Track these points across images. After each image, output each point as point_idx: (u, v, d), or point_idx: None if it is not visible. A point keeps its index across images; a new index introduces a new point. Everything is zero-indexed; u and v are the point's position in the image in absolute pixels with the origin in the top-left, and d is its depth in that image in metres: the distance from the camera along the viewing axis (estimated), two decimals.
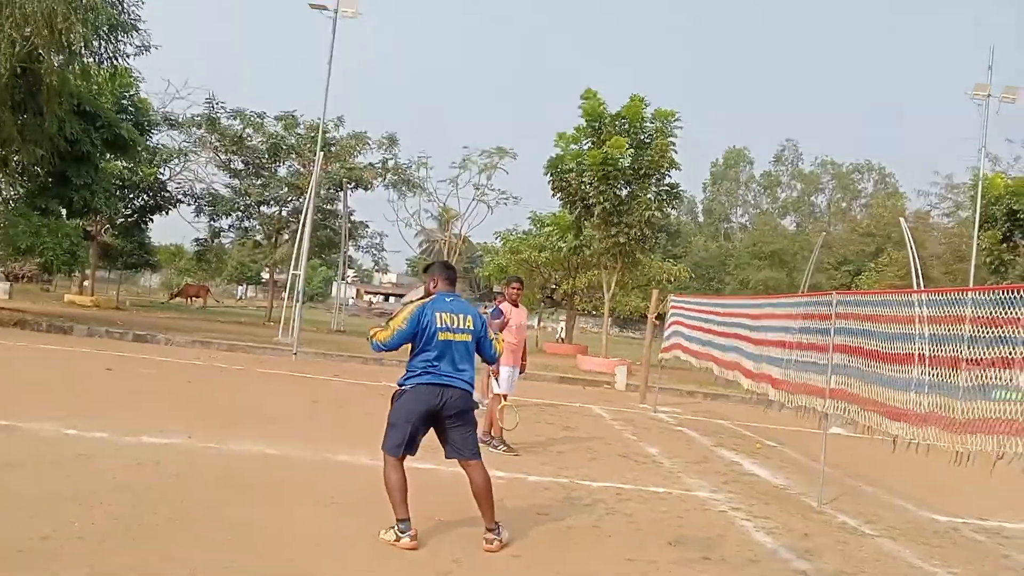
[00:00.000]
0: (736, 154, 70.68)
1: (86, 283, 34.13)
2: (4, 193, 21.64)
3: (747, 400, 15.91)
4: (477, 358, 5.19)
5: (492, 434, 8.36)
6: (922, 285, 21.41)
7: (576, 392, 15.99)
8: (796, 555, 5.49)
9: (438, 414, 4.91)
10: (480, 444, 8.24)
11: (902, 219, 27.39)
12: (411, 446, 4.95)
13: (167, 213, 31.49)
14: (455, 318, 4.96)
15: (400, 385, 5.03)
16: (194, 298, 39.45)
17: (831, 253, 48.14)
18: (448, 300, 5.07)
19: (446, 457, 5.14)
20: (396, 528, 4.80)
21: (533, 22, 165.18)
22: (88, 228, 27.88)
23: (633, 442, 10.01)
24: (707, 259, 55.30)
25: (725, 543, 5.63)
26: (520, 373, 8.79)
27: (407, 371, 5.00)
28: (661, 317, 16.23)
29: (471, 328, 5.03)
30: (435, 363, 4.88)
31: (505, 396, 8.47)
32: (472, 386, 5.06)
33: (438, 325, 4.89)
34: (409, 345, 4.98)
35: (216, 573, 4.08)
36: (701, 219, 72.71)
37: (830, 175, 68.22)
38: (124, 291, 40.71)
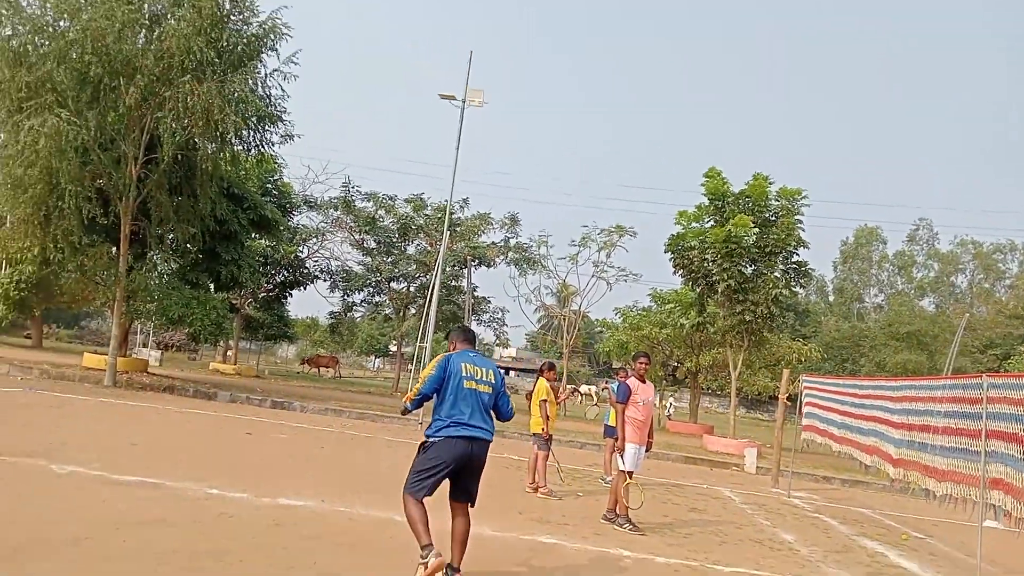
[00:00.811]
0: (868, 233, 67.92)
1: (229, 352, 36.19)
2: (160, 267, 23.53)
3: (889, 488, 14.92)
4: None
5: (617, 511, 8.15)
6: None
7: (703, 473, 15.41)
8: None
9: (466, 465, 5.14)
10: (605, 521, 8.12)
11: None
12: (432, 491, 5.17)
13: (304, 288, 33.33)
14: (478, 370, 5.24)
15: (428, 437, 5.23)
16: (324, 368, 41.11)
17: (975, 336, 44.99)
18: (471, 355, 5.37)
19: (451, 498, 5.28)
20: (421, 555, 4.93)
21: (649, 102, 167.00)
22: (233, 301, 29.76)
23: (766, 527, 9.49)
24: (839, 339, 52.73)
25: None
26: (647, 451, 8.55)
27: (433, 423, 5.21)
28: (792, 398, 15.55)
29: (492, 381, 5.27)
30: (463, 414, 5.11)
31: (630, 474, 8.27)
32: (491, 435, 5.21)
33: (464, 374, 5.17)
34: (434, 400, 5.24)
35: None
36: (832, 299, 69.81)
37: (970, 255, 64.28)
38: (263, 360, 42.97)
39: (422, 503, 5.09)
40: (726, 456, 18.59)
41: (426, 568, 4.86)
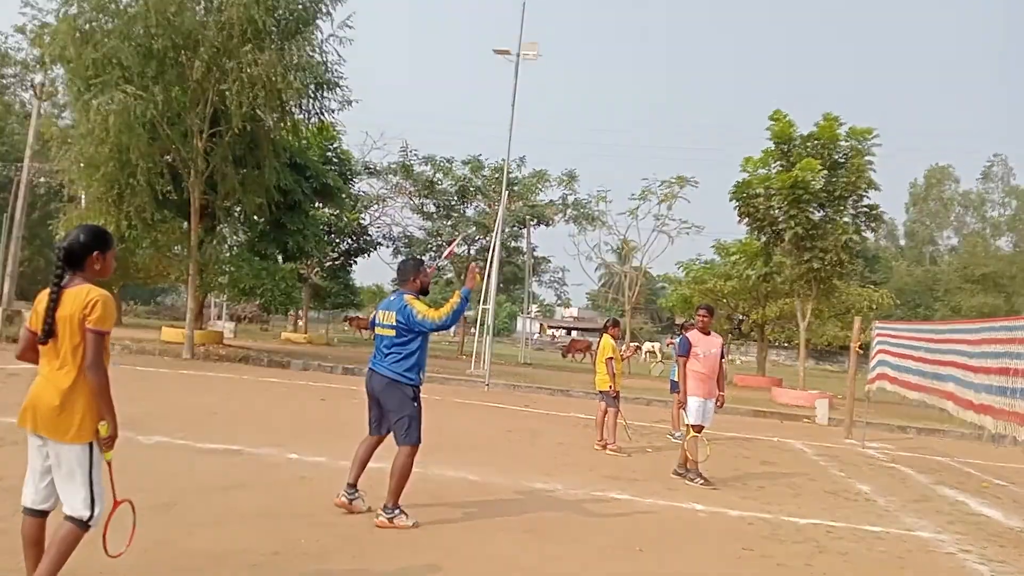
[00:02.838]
0: (940, 171, 65.22)
1: (300, 322, 37.08)
2: (229, 240, 24.14)
3: (968, 435, 14.51)
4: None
5: (688, 466, 8.14)
6: None
7: (773, 426, 15.24)
8: None
9: (373, 397, 5.65)
10: (675, 476, 8.12)
11: None
12: (370, 426, 5.75)
13: (368, 255, 33.81)
14: (383, 314, 5.63)
15: None
16: (365, 329, 41.36)
17: None
18: (387, 300, 5.78)
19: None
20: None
21: (713, 48, 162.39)
22: (301, 271, 30.42)
23: (841, 479, 9.36)
24: (911, 285, 51.21)
25: None
26: (719, 405, 8.42)
27: None
28: (865, 347, 15.17)
29: (392, 323, 5.54)
30: (373, 356, 5.69)
31: (699, 428, 8.21)
32: (396, 373, 5.49)
33: (376, 321, 5.70)
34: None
35: None
36: (903, 243, 67.56)
37: None
38: (332, 329, 43.88)
39: (367, 440, 5.74)
40: (796, 408, 18.32)
41: (337, 498, 5.63)
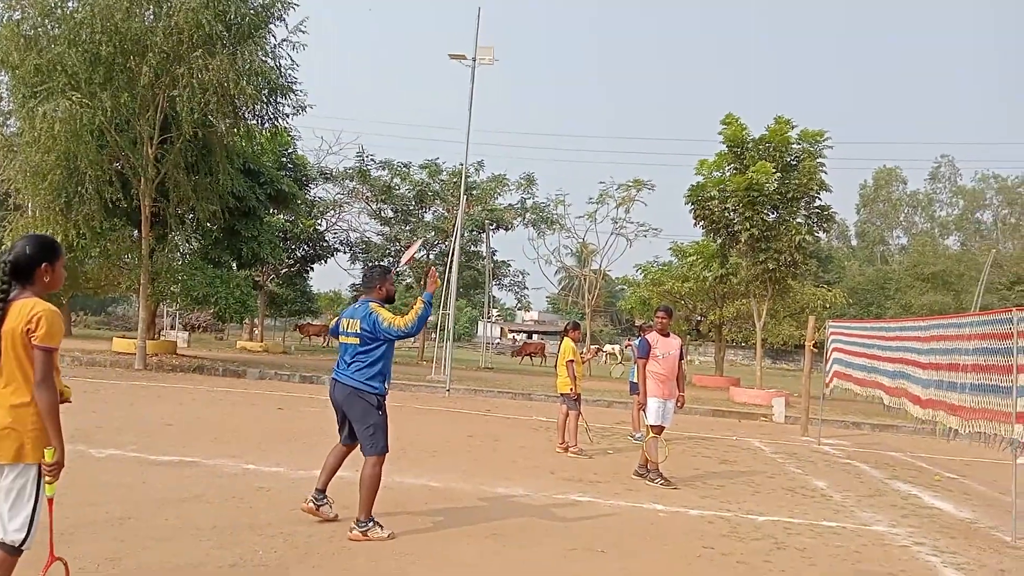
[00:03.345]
0: (888, 173, 66.88)
1: (255, 330, 36.54)
2: (181, 248, 23.68)
3: (920, 430, 14.84)
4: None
5: (648, 467, 8.20)
6: None
7: (731, 425, 15.45)
8: None
9: (337, 406, 5.62)
10: (636, 477, 8.17)
11: None
12: (340, 434, 5.74)
13: (325, 262, 33.44)
14: (347, 322, 5.57)
15: None
16: (315, 336, 40.81)
17: (1002, 272, 44.38)
18: (352, 308, 5.73)
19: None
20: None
21: (666, 47, 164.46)
22: (256, 278, 29.97)
23: (798, 475, 9.52)
24: (863, 284, 52.29)
25: None
26: (679, 406, 8.50)
27: None
28: (819, 346, 15.46)
29: (356, 331, 5.49)
30: (338, 365, 5.63)
31: (659, 429, 8.28)
32: (359, 382, 5.44)
33: (341, 330, 5.63)
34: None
35: None
36: (854, 243, 69.10)
37: (994, 190, 63.19)
38: (289, 336, 43.29)
39: (338, 448, 5.76)
40: (754, 407, 18.59)
41: (304, 503, 5.69)
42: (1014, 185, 62.01)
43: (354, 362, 5.47)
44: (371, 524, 5.31)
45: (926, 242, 55.92)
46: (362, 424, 5.44)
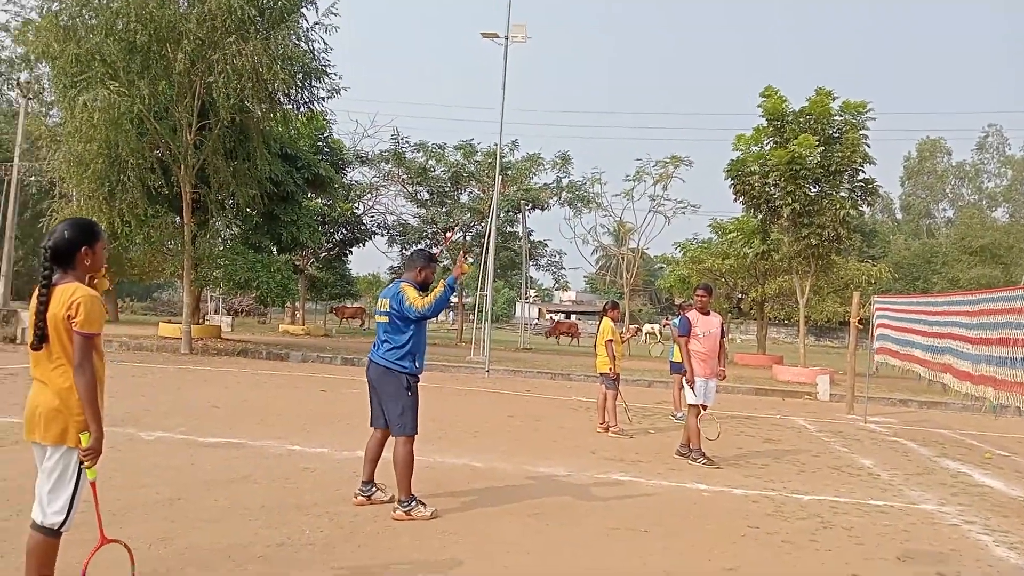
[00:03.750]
0: (932, 144, 65.03)
1: (297, 314, 37.03)
2: (223, 233, 24.05)
3: (969, 407, 14.53)
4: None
5: (691, 446, 8.13)
6: None
7: (775, 404, 15.25)
8: None
9: (371, 387, 5.64)
10: (679, 456, 8.12)
11: None
12: (372, 418, 5.71)
13: (364, 245, 33.67)
14: (381, 302, 5.64)
15: None
16: (351, 318, 41.06)
17: None
18: (387, 288, 5.72)
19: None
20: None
21: (703, 25, 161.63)
22: (296, 262, 30.33)
23: (844, 454, 9.36)
24: (909, 258, 51.11)
25: (961, 558, 5.12)
26: (720, 377, 8.43)
27: None
28: (864, 322, 15.16)
29: (387, 310, 5.55)
30: (374, 343, 5.71)
31: (704, 407, 8.20)
32: (391, 362, 5.46)
33: (376, 309, 5.76)
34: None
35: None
36: (899, 216, 67.54)
37: None
38: (330, 320, 43.80)
39: (373, 435, 5.70)
40: (798, 385, 18.34)
41: (354, 498, 5.65)
42: None
43: (385, 341, 5.54)
44: (413, 503, 5.35)
45: (973, 214, 54.40)
46: (392, 404, 5.47)
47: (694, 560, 4.79)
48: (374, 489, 5.70)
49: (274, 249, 24.08)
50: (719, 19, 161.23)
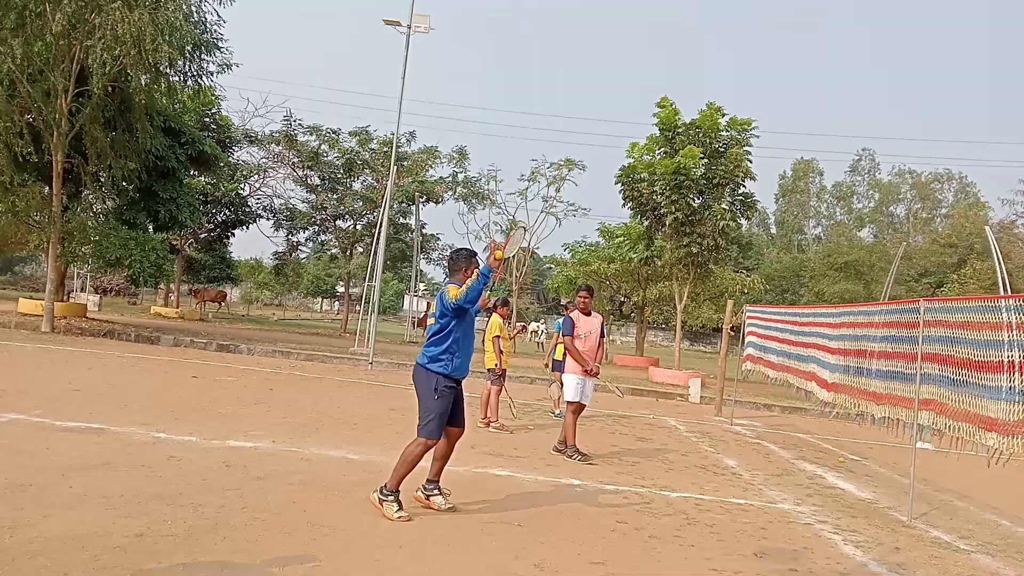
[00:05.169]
0: (804, 165, 69.24)
1: (171, 296, 35.38)
2: (95, 207, 22.68)
3: (827, 413, 15.48)
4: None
5: (568, 443, 8.32)
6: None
7: (649, 404, 15.80)
8: (887, 568, 5.29)
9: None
10: (555, 453, 8.29)
11: (987, 228, 26.20)
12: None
13: (247, 228, 32.54)
14: (432, 304, 5.57)
15: None
16: (211, 302, 39.54)
17: (911, 265, 46.49)
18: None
19: None
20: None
21: (601, 31, 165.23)
22: (173, 242, 29.00)
23: (711, 454, 9.82)
24: (780, 271, 54.03)
25: (812, 555, 5.47)
26: (593, 373, 8.55)
27: None
28: (736, 329, 15.93)
29: (434, 312, 5.74)
30: None
31: (579, 407, 8.42)
32: (425, 360, 5.55)
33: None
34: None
35: (305, 571, 4.16)
36: (773, 231, 71.31)
37: (909, 184, 66.18)
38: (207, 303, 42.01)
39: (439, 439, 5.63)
40: (671, 387, 19.06)
41: (415, 492, 5.70)
42: (927, 181, 64.99)
43: (427, 341, 5.66)
44: (391, 498, 5.36)
45: (841, 232, 58.11)
46: (420, 402, 5.54)
47: (565, 555, 4.90)
48: (436, 490, 5.67)
49: (150, 227, 22.93)
50: (621, 27, 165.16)
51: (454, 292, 5.44)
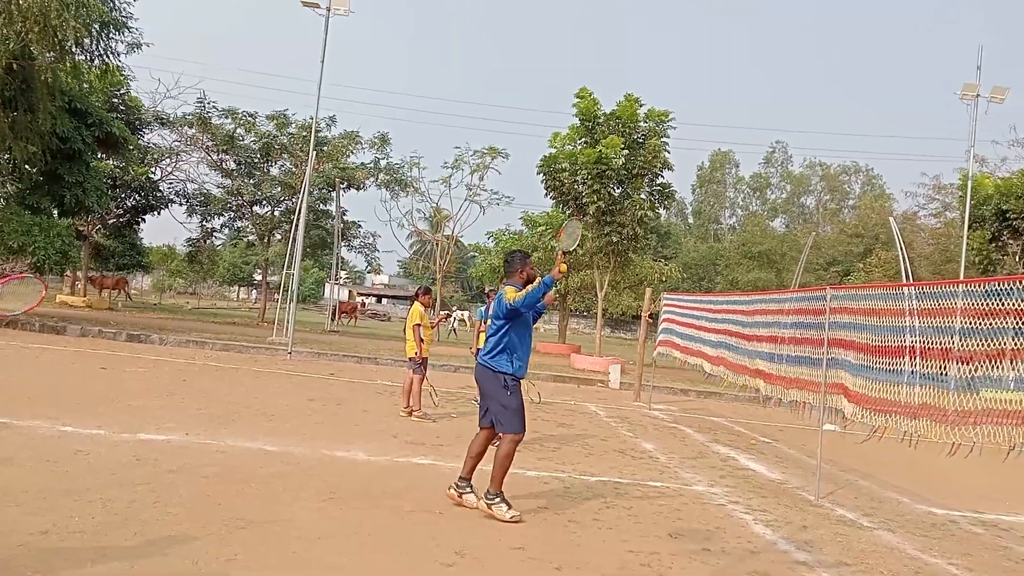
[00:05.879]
0: (722, 157, 71.14)
1: (78, 284, 33.84)
2: None
3: (740, 397, 16.05)
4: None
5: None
6: None
7: (570, 390, 16.02)
8: (795, 546, 5.52)
9: (477, 385, 6.00)
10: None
11: (891, 219, 27.52)
12: (480, 417, 5.93)
13: (159, 213, 31.27)
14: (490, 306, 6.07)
15: None
16: (110, 289, 37.96)
17: (820, 254, 48.37)
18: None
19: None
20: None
21: (525, 21, 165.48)
22: (80, 228, 27.70)
23: (629, 439, 10.04)
24: (697, 260, 55.47)
25: (724, 535, 5.66)
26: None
27: None
28: (654, 316, 16.29)
29: (492, 313, 6.01)
30: None
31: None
32: (487, 361, 5.72)
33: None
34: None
35: (220, 566, 4.08)
36: (691, 221, 73.09)
37: (819, 176, 68.84)
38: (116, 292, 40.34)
39: (480, 433, 5.83)
40: (592, 374, 19.36)
41: (448, 490, 5.81)
42: (836, 173, 67.75)
43: (487, 341, 5.87)
44: (498, 500, 5.42)
45: (755, 222, 60.04)
46: (495, 403, 5.66)
47: (486, 540, 4.95)
48: (469, 488, 5.71)
49: (55, 212, 21.84)
50: (545, 14, 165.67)
51: (511, 295, 5.61)
